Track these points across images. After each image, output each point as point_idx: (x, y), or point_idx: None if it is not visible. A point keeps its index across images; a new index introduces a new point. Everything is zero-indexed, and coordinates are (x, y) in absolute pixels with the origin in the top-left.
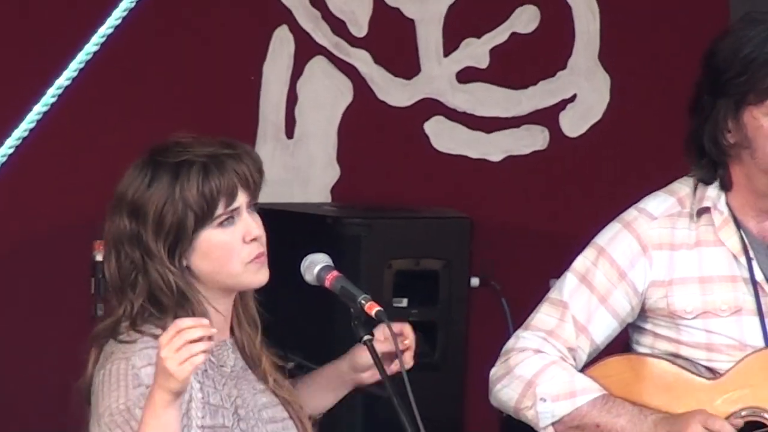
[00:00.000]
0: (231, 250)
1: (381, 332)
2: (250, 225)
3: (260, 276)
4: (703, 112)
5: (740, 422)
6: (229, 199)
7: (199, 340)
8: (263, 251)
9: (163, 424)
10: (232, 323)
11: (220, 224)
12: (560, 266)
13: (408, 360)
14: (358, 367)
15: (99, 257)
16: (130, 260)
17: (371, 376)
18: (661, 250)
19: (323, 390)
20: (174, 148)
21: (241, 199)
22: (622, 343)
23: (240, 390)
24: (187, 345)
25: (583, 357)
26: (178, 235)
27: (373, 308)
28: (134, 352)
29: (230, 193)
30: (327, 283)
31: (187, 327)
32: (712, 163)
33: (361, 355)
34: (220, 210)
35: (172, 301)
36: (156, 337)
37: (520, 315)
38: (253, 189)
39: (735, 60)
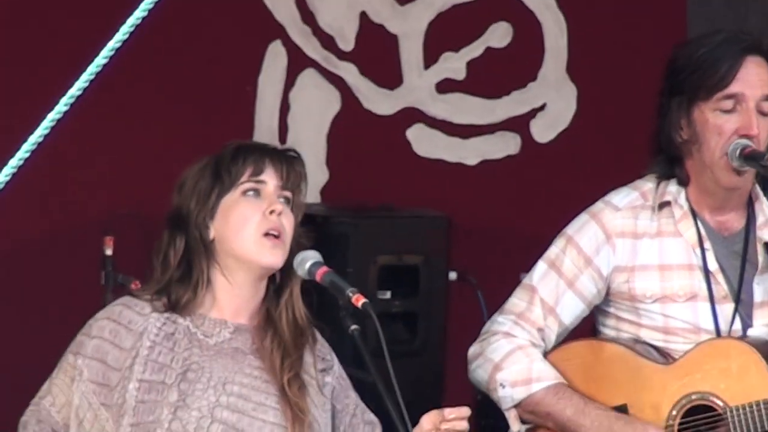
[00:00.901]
0: (248, 218)
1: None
2: (274, 202)
3: (270, 255)
4: (661, 111)
5: (687, 406)
6: (256, 171)
7: None
8: (280, 232)
9: None
10: (265, 315)
11: (244, 193)
12: (531, 261)
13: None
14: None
15: (108, 252)
16: (158, 246)
17: None
18: (623, 239)
19: None
20: (228, 143)
21: (270, 179)
22: (589, 325)
23: (209, 361)
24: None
25: (552, 336)
26: (207, 197)
27: (359, 300)
28: (106, 311)
29: (257, 167)
30: (318, 278)
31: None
32: (668, 160)
33: (426, 420)
34: (244, 177)
35: (175, 267)
36: (139, 298)
37: (495, 306)
38: (286, 180)
39: (691, 60)
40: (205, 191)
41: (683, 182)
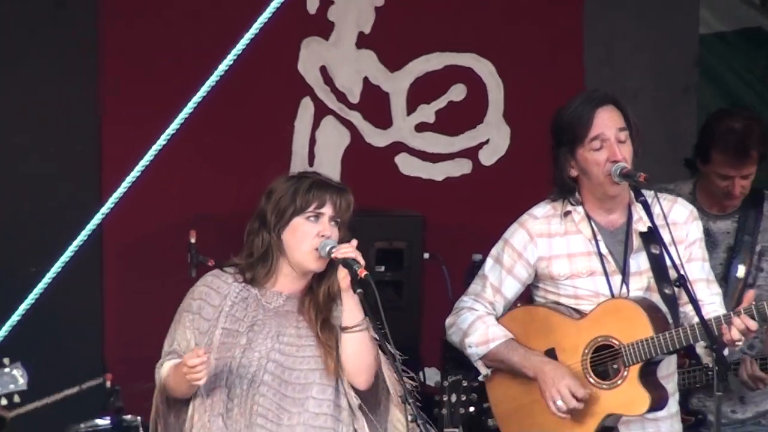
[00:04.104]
0: (307, 235)
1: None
2: (327, 227)
3: (314, 264)
4: (557, 162)
5: (595, 345)
6: (319, 205)
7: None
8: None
9: (179, 385)
10: (308, 291)
11: (308, 218)
12: (480, 246)
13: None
14: None
15: (192, 240)
16: (249, 228)
17: None
18: (542, 238)
19: None
20: (306, 173)
21: (327, 210)
22: (527, 296)
23: (269, 319)
24: (193, 374)
25: (500, 308)
26: (283, 213)
27: (363, 272)
28: (202, 280)
29: (321, 202)
30: (333, 256)
31: (194, 365)
32: (568, 191)
33: None
34: (310, 209)
35: (257, 255)
36: (224, 271)
37: (456, 278)
38: (338, 210)
39: (563, 121)
40: (284, 209)
41: (578, 202)
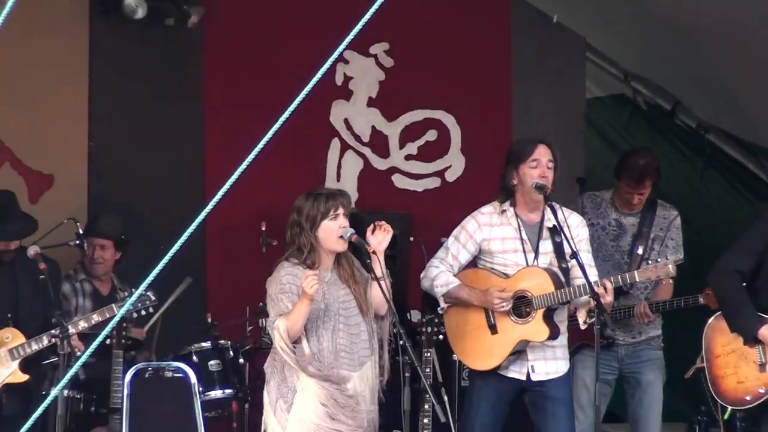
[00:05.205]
0: (333, 230)
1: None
2: (343, 222)
3: (341, 247)
4: (504, 173)
5: (515, 296)
6: (336, 209)
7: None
8: (344, 236)
9: (303, 312)
10: (336, 265)
11: (331, 219)
12: (446, 234)
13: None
14: None
15: (263, 228)
16: (291, 233)
17: None
18: (486, 226)
19: None
20: (319, 189)
21: (342, 211)
22: (473, 263)
23: (329, 289)
24: (312, 283)
25: (456, 269)
26: (315, 220)
27: (371, 250)
28: (282, 268)
29: (336, 206)
30: (353, 239)
31: (310, 276)
32: (508, 194)
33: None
34: (332, 213)
35: (307, 250)
36: (292, 263)
37: (430, 253)
38: (346, 208)
39: (514, 150)
40: (315, 216)
41: (514, 203)
